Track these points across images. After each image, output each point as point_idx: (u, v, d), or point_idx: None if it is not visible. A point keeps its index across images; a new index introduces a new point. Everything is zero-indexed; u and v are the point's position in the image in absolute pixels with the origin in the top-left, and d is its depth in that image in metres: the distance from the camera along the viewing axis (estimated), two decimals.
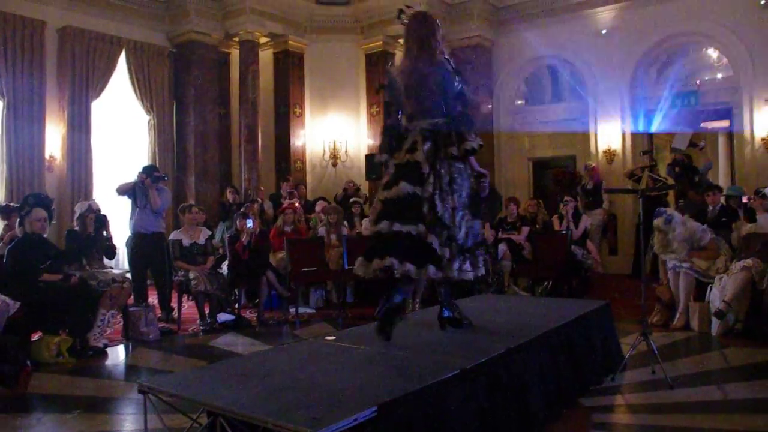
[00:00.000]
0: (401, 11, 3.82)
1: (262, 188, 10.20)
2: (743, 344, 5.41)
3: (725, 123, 11.98)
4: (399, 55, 11.91)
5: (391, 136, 3.72)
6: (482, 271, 3.73)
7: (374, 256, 3.49)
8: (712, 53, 10.47)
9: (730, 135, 11.16)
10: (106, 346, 5.69)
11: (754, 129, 9.44)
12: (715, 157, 13.95)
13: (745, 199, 6.52)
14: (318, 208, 9.07)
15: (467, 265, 3.56)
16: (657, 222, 6.24)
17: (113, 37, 9.87)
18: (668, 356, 4.83)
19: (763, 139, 9.32)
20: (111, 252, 6.45)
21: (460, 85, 3.66)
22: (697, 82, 10.35)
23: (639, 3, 10.24)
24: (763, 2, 9.16)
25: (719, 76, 10.32)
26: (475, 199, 3.66)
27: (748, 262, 5.77)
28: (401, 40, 13.14)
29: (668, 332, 6.02)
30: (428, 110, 3.61)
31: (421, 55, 3.63)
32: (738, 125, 9.83)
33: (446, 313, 3.87)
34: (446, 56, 3.72)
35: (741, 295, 5.71)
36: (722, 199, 7.12)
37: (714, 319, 5.81)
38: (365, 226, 8.40)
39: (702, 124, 13.77)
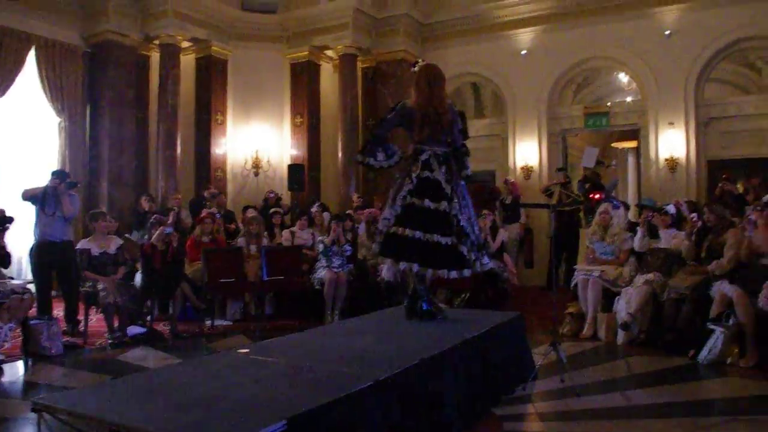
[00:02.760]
0: (416, 62, 4.76)
1: (178, 196, 9.84)
2: (646, 353, 5.69)
3: (634, 143, 12.66)
4: (324, 66, 11.96)
5: (374, 143, 4.54)
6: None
7: (404, 258, 4.28)
8: (623, 77, 11.05)
9: (638, 154, 11.77)
10: (2, 362, 5.34)
11: (658, 150, 10.01)
12: (624, 175, 14.69)
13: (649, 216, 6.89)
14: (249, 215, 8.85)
15: (485, 259, 4.49)
16: (605, 205, 6.58)
17: (22, 32, 9.30)
18: (577, 365, 5.06)
19: (666, 160, 9.89)
20: (4, 261, 6.01)
21: (462, 124, 4.54)
22: (608, 104, 10.90)
23: (557, 27, 10.69)
24: (667, 32, 9.78)
25: (629, 99, 10.90)
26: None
27: (650, 276, 6.12)
28: (327, 52, 13.07)
29: (577, 342, 6.26)
30: (439, 140, 4.46)
31: (431, 95, 4.41)
32: (645, 146, 10.41)
33: (425, 307, 4.58)
34: (450, 101, 4.57)
35: (644, 307, 6.03)
36: (629, 214, 7.51)
37: (620, 330, 6.09)
38: (285, 237, 8.30)
39: (613, 144, 14.53)
